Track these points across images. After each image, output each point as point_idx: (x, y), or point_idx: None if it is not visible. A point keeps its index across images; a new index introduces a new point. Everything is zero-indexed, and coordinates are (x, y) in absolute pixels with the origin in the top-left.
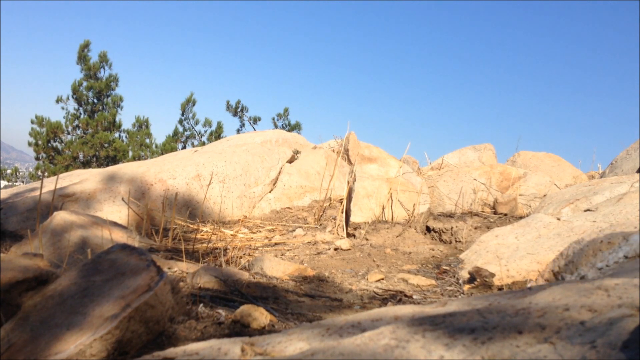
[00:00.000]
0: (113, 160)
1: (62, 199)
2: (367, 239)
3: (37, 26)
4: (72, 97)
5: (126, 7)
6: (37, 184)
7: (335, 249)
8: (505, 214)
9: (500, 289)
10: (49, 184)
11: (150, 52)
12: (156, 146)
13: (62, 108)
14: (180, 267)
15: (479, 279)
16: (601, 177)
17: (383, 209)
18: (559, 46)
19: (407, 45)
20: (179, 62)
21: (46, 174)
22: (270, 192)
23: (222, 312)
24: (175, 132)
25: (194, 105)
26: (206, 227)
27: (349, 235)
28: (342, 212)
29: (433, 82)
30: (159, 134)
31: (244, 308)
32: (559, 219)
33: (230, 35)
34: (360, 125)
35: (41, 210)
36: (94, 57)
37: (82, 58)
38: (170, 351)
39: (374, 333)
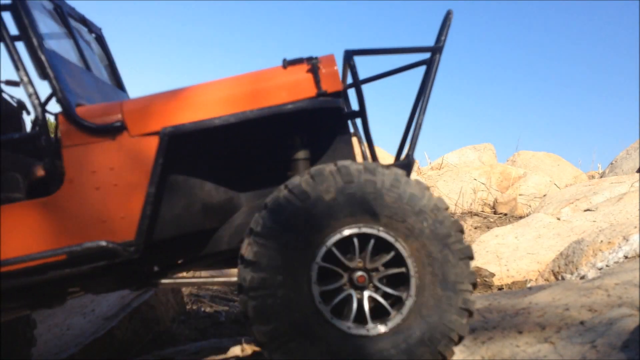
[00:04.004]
0: None
1: None
2: None
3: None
4: None
5: (126, 7)
6: None
7: None
8: (505, 214)
9: (500, 288)
10: None
11: (151, 51)
12: None
13: None
14: None
15: (479, 279)
16: (601, 177)
17: None
18: (560, 45)
19: (407, 44)
20: (179, 62)
21: None
22: None
23: (222, 312)
24: None
25: None
26: None
27: None
28: None
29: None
30: None
31: None
32: (558, 219)
33: (230, 34)
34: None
35: None
36: None
37: None
38: (171, 351)
39: None
